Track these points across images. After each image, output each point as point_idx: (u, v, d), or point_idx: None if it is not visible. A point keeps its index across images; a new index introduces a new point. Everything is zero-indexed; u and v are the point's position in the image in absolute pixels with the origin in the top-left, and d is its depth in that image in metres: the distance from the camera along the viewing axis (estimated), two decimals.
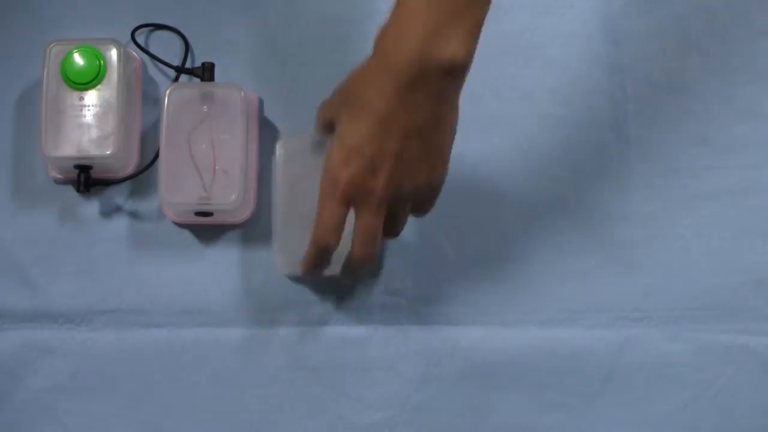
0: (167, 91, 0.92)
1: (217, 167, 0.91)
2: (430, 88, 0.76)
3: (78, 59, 0.92)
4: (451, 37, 0.74)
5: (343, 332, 0.93)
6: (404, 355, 0.93)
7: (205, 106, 0.92)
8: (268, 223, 0.93)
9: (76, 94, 0.92)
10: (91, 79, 0.92)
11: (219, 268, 0.94)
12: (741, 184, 0.96)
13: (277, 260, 0.92)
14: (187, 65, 0.97)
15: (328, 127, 0.83)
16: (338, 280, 0.89)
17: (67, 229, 0.94)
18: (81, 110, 0.91)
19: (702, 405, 0.93)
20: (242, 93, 0.92)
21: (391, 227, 0.83)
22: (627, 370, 0.93)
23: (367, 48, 0.79)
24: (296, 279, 0.93)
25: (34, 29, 0.97)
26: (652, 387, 0.93)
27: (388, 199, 0.79)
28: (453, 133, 0.80)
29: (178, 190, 0.91)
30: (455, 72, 0.76)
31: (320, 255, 0.83)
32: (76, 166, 0.92)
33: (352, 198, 0.79)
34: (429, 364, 0.93)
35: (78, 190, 0.92)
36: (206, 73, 0.95)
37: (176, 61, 0.97)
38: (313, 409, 0.92)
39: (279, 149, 0.92)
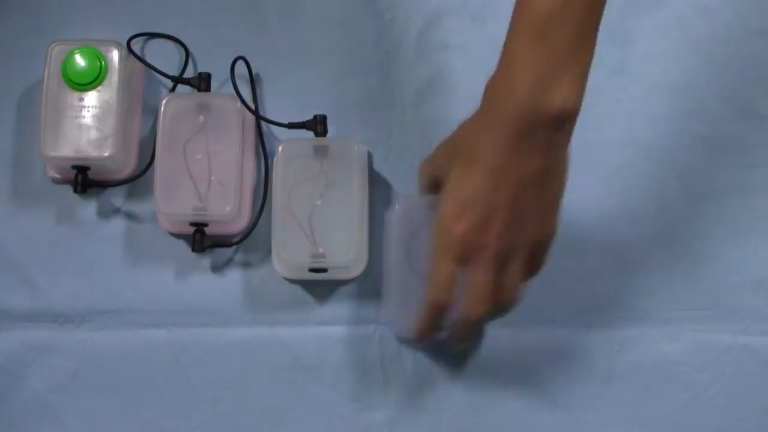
0: (163, 102, 0.92)
1: (212, 178, 0.91)
2: (541, 137, 0.74)
3: (79, 60, 0.92)
4: (559, 85, 0.73)
5: (343, 332, 0.93)
6: (404, 355, 0.93)
7: (201, 117, 0.93)
8: (267, 224, 0.93)
9: (76, 94, 0.92)
10: (92, 80, 0.92)
11: (219, 269, 0.94)
12: (741, 184, 0.96)
13: (275, 266, 0.92)
14: (189, 73, 0.97)
15: (433, 184, 0.82)
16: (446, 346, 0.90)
17: (65, 230, 0.94)
18: (80, 111, 0.91)
19: (702, 405, 0.93)
20: (238, 104, 0.93)
21: (505, 287, 0.80)
22: (627, 370, 0.93)
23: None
24: (295, 281, 0.94)
25: (34, 29, 0.97)
26: (652, 387, 0.93)
27: (503, 252, 0.78)
28: (564, 183, 0.79)
29: (173, 200, 0.91)
30: (565, 120, 0.74)
31: (436, 315, 0.82)
32: (74, 167, 0.92)
33: (467, 254, 0.78)
34: (429, 364, 0.93)
35: (75, 191, 0.92)
36: (203, 83, 0.95)
37: (177, 68, 0.97)
38: (313, 409, 0.92)
39: (278, 155, 0.92)
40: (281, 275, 0.93)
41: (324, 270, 0.90)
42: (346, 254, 0.91)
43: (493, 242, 0.77)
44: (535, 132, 0.74)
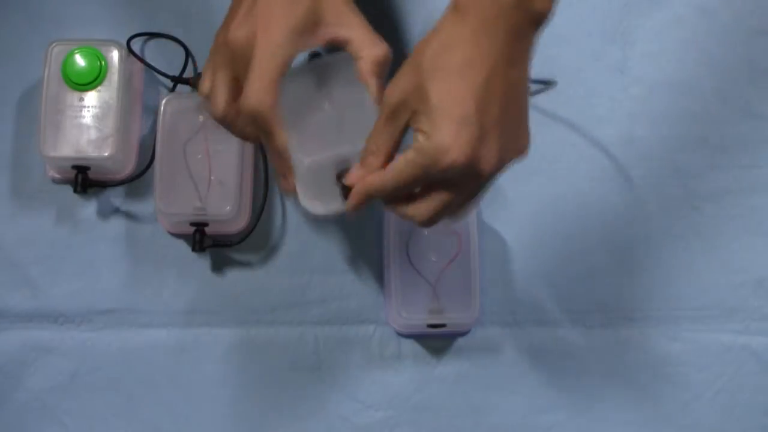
0: (163, 102, 0.92)
1: (212, 178, 0.91)
2: (525, 41, 0.71)
3: (79, 60, 0.92)
4: None
5: (343, 332, 0.93)
6: (404, 355, 0.93)
7: (201, 117, 0.92)
8: (266, 223, 0.93)
9: (76, 94, 0.92)
10: (92, 80, 0.92)
11: (219, 269, 0.94)
12: (741, 184, 0.96)
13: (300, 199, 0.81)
14: (189, 73, 0.97)
15: (398, 110, 0.72)
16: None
17: (65, 230, 0.94)
18: (81, 111, 0.91)
19: (702, 405, 0.93)
20: None
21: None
22: (627, 370, 0.93)
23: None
24: (295, 280, 0.94)
25: (34, 29, 0.97)
26: (652, 387, 0.93)
27: (496, 172, 0.72)
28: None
29: (173, 200, 0.91)
30: (542, 23, 0.71)
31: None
32: (74, 167, 0.92)
33: (458, 176, 0.71)
34: (429, 364, 0.93)
35: (75, 191, 0.92)
36: None
37: (177, 68, 0.97)
38: (313, 409, 0.93)
39: None
40: (310, 212, 0.85)
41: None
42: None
43: (491, 164, 0.70)
44: (520, 36, 0.70)
